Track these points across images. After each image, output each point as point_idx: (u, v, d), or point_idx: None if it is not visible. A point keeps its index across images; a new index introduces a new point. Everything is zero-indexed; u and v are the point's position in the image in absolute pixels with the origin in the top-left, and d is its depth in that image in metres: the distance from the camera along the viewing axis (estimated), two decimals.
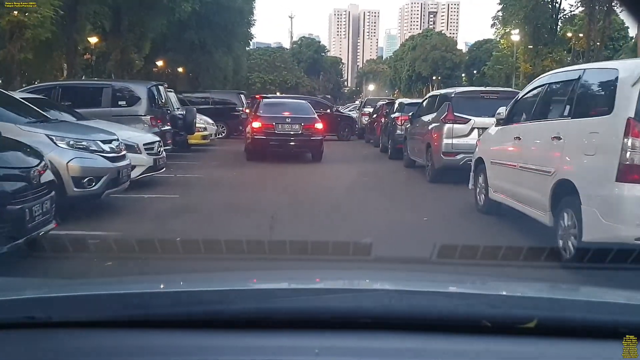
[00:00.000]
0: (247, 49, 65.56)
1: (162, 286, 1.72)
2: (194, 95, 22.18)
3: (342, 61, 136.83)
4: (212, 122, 17.73)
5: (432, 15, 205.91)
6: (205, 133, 16.44)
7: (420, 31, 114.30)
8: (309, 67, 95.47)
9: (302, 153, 13.89)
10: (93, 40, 25.85)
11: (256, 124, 13.33)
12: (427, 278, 2.21)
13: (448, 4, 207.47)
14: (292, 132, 13.33)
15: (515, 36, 43.65)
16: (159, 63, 34.95)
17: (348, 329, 1.32)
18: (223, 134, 20.18)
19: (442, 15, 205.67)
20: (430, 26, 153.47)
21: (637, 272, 4.20)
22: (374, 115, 20.39)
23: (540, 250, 4.97)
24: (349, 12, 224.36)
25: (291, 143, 13.30)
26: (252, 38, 44.53)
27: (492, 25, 48.73)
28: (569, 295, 1.73)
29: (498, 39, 52.17)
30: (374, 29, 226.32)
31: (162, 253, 4.44)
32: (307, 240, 4.96)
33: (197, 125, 15.37)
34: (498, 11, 46.13)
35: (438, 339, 1.30)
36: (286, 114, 13.67)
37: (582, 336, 1.31)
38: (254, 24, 42.01)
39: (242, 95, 22.00)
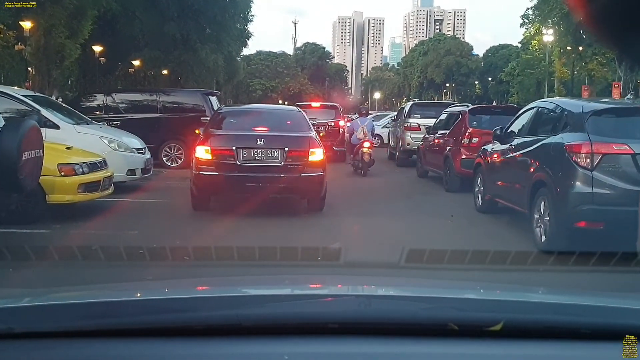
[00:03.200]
0: (247, 53, 60.42)
1: (127, 294, 1.69)
2: (124, 98, 13.74)
3: (347, 69, 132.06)
4: (140, 147, 9.89)
5: (438, 23, 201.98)
6: (97, 176, 7.38)
7: (426, 38, 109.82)
8: (313, 74, 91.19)
9: (288, 197, 8.43)
10: (27, 24, 18.88)
11: (202, 151, 7.72)
12: (396, 283, 2.23)
13: (454, 12, 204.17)
14: (267, 163, 7.72)
15: (548, 36, 38.69)
16: (136, 62, 28.99)
17: (317, 334, 1.32)
18: (179, 162, 12.83)
19: (448, 23, 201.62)
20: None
21: (605, 273, 4.44)
22: (439, 133, 11.95)
23: (506, 254, 5.03)
24: (353, 19, 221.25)
25: (267, 183, 7.66)
26: (250, 37, 38.68)
27: (522, 25, 44.16)
28: (534, 298, 1.76)
29: (526, 40, 47.36)
30: (379, 37, 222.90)
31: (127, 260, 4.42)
32: (276, 247, 4.91)
33: (74, 159, 7.26)
34: (528, 9, 41.71)
35: (406, 343, 1.31)
36: (259, 130, 8.08)
37: (548, 338, 1.33)
38: (251, 20, 36.46)
39: (212, 98, 13.86)
